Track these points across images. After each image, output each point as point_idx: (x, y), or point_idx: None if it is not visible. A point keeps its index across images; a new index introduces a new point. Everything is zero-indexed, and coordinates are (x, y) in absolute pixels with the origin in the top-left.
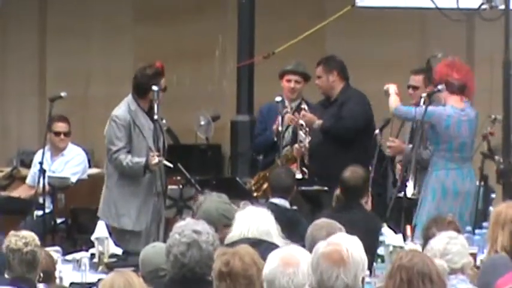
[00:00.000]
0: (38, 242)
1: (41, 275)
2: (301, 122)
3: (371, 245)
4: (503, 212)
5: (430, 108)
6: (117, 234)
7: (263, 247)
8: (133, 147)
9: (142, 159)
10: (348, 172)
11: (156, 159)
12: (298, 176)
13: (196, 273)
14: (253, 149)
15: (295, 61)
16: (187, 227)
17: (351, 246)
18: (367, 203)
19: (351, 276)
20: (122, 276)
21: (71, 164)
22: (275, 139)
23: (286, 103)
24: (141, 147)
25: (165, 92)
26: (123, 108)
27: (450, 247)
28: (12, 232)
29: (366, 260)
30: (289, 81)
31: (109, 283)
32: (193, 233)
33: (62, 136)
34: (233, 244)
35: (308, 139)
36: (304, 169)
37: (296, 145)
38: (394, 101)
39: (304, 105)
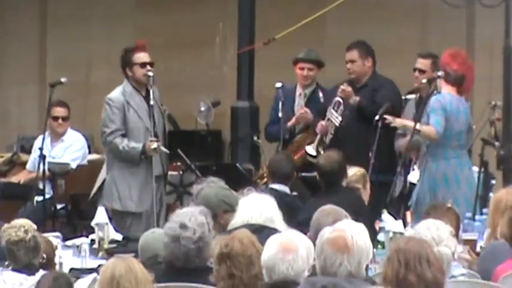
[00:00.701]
0: (35, 227)
1: (44, 256)
2: (338, 99)
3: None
4: (504, 199)
5: (435, 103)
6: (119, 217)
7: (265, 233)
8: (129, 128)
9: (139, 145)
10: (322, 158)
11: (154, 145)
12: (313, 152)
13: (174, 265)
14: (266, 136)
15: (307, 48)
16: (178, 218)
17: (356, 233)
18: (365, 189)
19: (354, 263)
20: (122, 262)
21: (70, 149)
22: (287, 137)
23: (299, 90)
24: (139, 128)
25: (145, 67)
26: (117, 90)
27: (442, 234)
28: (6, 225)
29: (371, 248)
30: (302, 69)
31: (110, 269)
32: (178, 227)
33: (60, 121)
34: (235, 230)
35: (339, 119)
36: (320, 150)
37: (322, 122)
38: (427, 129)
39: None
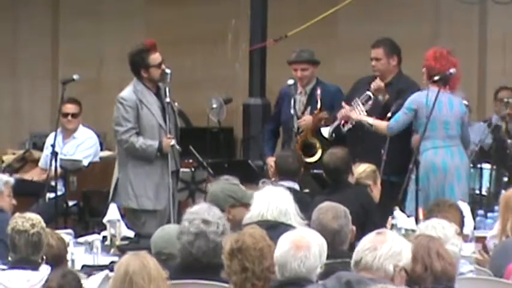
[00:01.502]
0: (44, 225)
1: (44, 257)
2: (369, 93)
3: (365, 221)
4: None
5: (408, 101)
6: (133, 215)
7: (280, 230)
8: (142, 126)
9: (156, 142)
10: (326, 156)
11: (172, 141)
12: (326, 134)
13: (202, 262)
14: (262, 133)
15: (298, 49)
16: (198, 215)
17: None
18: (376, 185)
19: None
20: (136, 258)
21: (82, 147)
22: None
23: (300, 88)
24: (152, 125)
25: (160, 67)
26: (129, 89)
27: (447, 233)
28: (17, 214)
29: (407, 254)
30: (296, 70)
31: (124, 265)
32: (201, 224)
33: (70, 117)
34: (249, 225)
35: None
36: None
37: (346, 108)
38: (379, 124)
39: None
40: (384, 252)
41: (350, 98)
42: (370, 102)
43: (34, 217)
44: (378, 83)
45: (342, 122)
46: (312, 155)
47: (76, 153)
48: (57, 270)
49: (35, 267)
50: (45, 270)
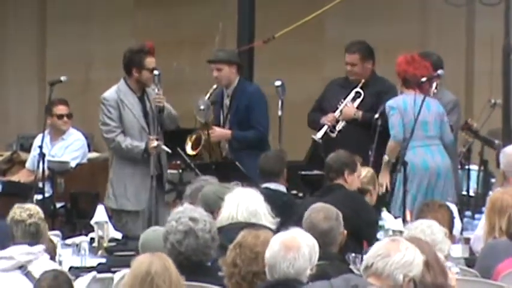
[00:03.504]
0: (42, 215)
1: (44, 248)
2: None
3: (355, 224)
4: (500, 199)
5: (386, 105)
6: (116, 215)
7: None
8: (125, 126)
9: (142, 144)
10: (332, 156)
11: (154, 143)
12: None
13: (192, 260)
14: None
15: (216, 49)
16: (184, 214)
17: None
18: (375, 189)
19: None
20: (159, 260)
21: (70, 148)
22: None
23: (225, 90)
24: (133, 127)
25: (152, 73)
26: (112, 89)
27: (436, 237)
28: (17, 204)
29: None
30: (212, 70)
31: (146, 264)
32: (189, 221)
33: (65, 118)
34: (222, 229)
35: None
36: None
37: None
38: (388, 146)
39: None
40: (396, 260)
41: (323, 100)
42: (359, 99)
43: (32, 207)
44: (347, 114)
45: (330, 126)
46: (195, 149)
47: (64, 155)
48: (46, 271)
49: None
50: (46, 258)
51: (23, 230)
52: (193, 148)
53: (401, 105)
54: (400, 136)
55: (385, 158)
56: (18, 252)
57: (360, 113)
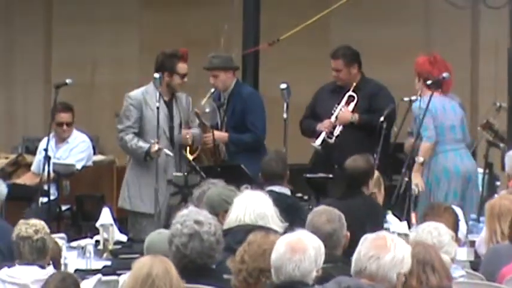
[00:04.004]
0: (48, 230)
1: (50, 262)
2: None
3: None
4: (497, 204)
5: (416, 108)
6: (132, 217)
7: None
8: (146, 127)
9: (146, 145)
10: (350, 161)
11: (156, 147)
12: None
13: (197, 263)
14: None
15: (211, 55)
16: (189, 217)
17: (399, 241)
18: (380, 192)
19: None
20: (160, 263)
21: (75, 151)
22: None
23: (222, 94)
24: (154, 130)
25: (183, 79)
26: (139, 89)
27: (443, 239)
28: (21, 221)
29: (409, 260)
30: (210, 76)
31: (147, 266)
32: (194, 224)
33: (65, 127)
34: (229, 231)
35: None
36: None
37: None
38: (422, 148)
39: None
40: (388, 260)
41: (315, 107)
42: (353, 102)
43: (38, 223)
44: (343, 118)
45: (327, 132)
46: (193, 152)
47: (69, 158)
48: (54, 273)
49: (41, 266)
50: (51, 270)
51: (30, 246)
52: (191, 152)
53: (431, 107)
54: (434, 138)
55: (420, 159)
56: (31, 279)
57: (356, 115)
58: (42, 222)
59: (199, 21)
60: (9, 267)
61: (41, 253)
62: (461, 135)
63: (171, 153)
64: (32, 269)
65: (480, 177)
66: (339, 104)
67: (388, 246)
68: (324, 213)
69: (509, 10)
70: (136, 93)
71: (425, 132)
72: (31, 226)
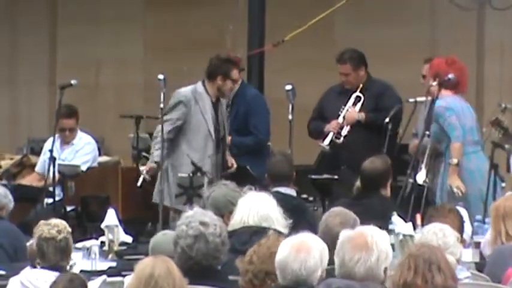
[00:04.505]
0: (69, 229)
1: (72, 261)
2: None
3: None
4: (502, 205)
5: (440, 109)
6: (172, 214)
7: (265, 235)
8: (191, 125)
9: (153, 160)
10: (367, 162)
11: (146, 175)
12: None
13: (202, 265)
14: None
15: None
16: (194, 218)
17: (377, 235)
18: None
19: (372, 261)
20: (163, 263)
21: (81, 153)
22: None
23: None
24: (199, 129)
25: (234, 85)
26: (188, 88)
27: (448, 240)
28: (42, 222)
29: (391, 252)
30: None
31: (150, 267)
32: (200, 226)
33: (67, 133)
34: (234, 233)
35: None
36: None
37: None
38: (452, 150)
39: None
40: (374, 261)
41: (322, 109)
42: (360, 103)
43: (59, 223)
44: (350, 118)
45: (335, 133)
46: None
47: (75, 159)
48: (62, 274)
49: (64, 272)
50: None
51: (54, 246)
52: None
53: (455, 107)
54: (462, 137)
55: (454, 161)
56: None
57: (363, 114)
58: (64, 222)
59: (204, 22)
60: (32, 267)
61: (65, 253)
62: (478, 137)
63: (148, 177)
64: (54, 274)
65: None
66: (346, 105)
67: (370, 245)
68: (339, 214)
69: None
70: (186, 91)
71: (453, 132)
72: (53, 227)
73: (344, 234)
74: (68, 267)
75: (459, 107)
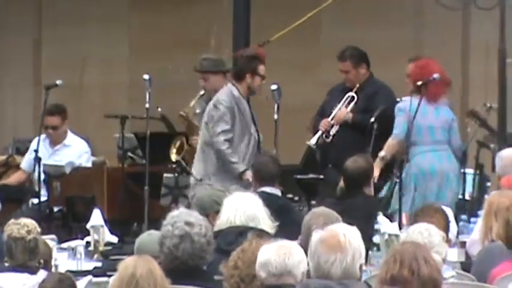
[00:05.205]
0: (39, 230)
1: (41, 261)
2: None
3: (368, 231)
4: (496, 201)
5: (396, 108)
6: None
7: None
8: (237, 132)
9: (239, 164)
10: (350, 161)
11: (248, 177)
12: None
13: (188, 265)
14: None
15: (202, 57)
16: (179, 218)
17: (349, 233)
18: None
19: (348, 261)
20: (145, 263)
21: (72, 156)
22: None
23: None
24: (244, 133)
25: (264, 80)
26: (224, 93)
27: (433, 239)
28: (12, 221)
29: (364, 248)
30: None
31: (132, 267)
32: (185, 226)
33: (51, 130)
34: (220, 233)
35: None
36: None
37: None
38: (387, 144)
39: None
40: (349, 261)
41: (325, 105)
42: (353, 103)
43: (29, 223)
44: (339, 118)
45: (324, 131)
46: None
47: (77, 159)
48: (51, 274)
49: (32, 271)
50: (42, 274)
51: (23, 246)
52: (178, 154)
53: (404, 108)
54: (401, 136)
55: (382, 153)
56: (20, 286)
57: (351, 114)
58: (34, 222)
59: (189, 22)
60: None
61: (33, 253)
62: (442, 137)
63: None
64: (21, 276)
65: (471, 178)
66: (340, 104)
67: (344, 245)
68: (322, 215)
69: (499, 11)
70: (228, 97)
71: (395, 130)
72: (23, 226)
73: (316, 235)
74: (36, 267)
75: (414, 107)
